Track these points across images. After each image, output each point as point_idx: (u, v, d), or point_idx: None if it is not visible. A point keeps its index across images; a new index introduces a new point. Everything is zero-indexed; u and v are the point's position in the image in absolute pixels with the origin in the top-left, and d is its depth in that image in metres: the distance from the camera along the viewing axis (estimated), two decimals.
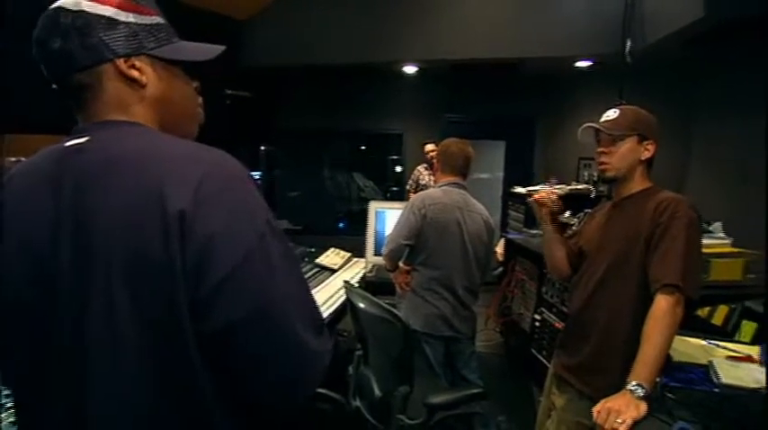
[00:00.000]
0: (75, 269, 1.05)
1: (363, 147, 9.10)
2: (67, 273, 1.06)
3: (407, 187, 7.37)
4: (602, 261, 2.21)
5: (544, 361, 3.90)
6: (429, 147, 7.03)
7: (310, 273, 3.94)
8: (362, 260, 4.45)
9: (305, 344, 1.09)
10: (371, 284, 3.91)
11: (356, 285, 2.97)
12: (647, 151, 2.19)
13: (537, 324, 4.14)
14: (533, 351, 4.12)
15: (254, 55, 6.59)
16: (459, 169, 3.28)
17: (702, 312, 3.34)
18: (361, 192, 9.06)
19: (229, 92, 6.50)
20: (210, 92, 1.40)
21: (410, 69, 7.03)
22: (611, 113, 2.22)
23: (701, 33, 4.48)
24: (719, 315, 3.28)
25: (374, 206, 4.46)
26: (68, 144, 1.14)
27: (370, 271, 4.15)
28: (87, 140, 1.13)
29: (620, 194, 2.26)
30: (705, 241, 2.69)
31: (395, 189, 8.72)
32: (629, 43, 5.24)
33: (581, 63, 6.23)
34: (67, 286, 1.06)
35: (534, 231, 4.59)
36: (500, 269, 4.90)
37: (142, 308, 1.02)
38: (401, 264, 3.30)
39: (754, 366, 2.25)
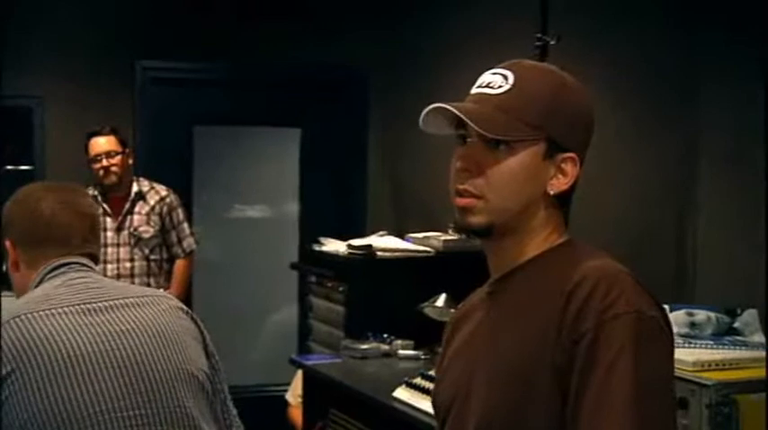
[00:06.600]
0: None
1: None
2: None
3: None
4: (472, 417, 1.28)
5: None
6: (101, 143, 3.88)
7: None
8: None
9: None
10: None
11: None
12: (564, 175, 1.21)
13: None
14: None
15: None
16: (71, 240, 1.92)
17: None
18: None
19: None
20: None
21: None
22: (495, 80, 1.20)
23: None
24: None
25: None
26: None
27: None
28: None
29: (499, 266, 1.27)
30: (725, 354, 2.09)
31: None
32: None
33: None
34: None
35: (367, 345, 2.97)
36: None
37: None
38: None
39: None
